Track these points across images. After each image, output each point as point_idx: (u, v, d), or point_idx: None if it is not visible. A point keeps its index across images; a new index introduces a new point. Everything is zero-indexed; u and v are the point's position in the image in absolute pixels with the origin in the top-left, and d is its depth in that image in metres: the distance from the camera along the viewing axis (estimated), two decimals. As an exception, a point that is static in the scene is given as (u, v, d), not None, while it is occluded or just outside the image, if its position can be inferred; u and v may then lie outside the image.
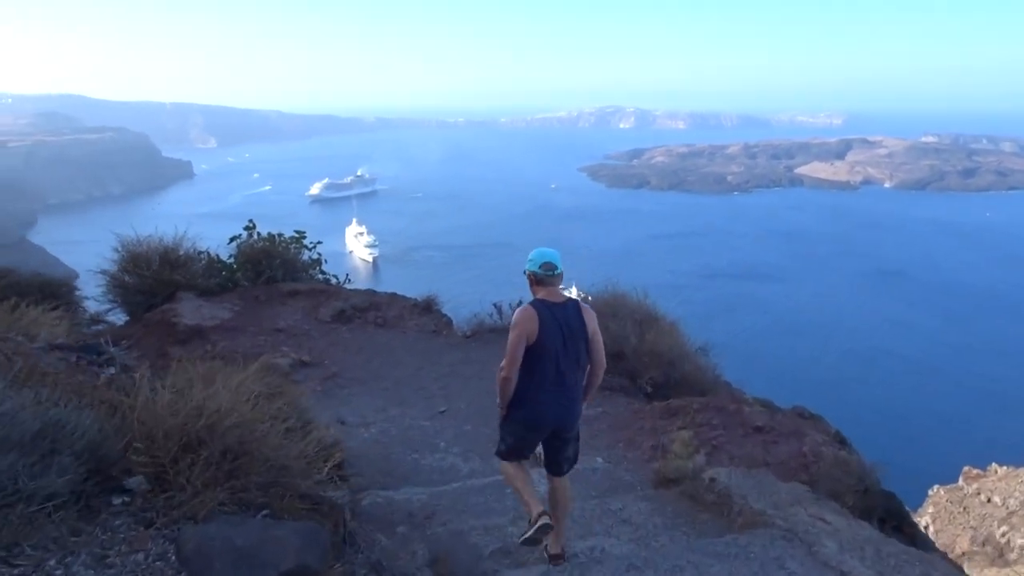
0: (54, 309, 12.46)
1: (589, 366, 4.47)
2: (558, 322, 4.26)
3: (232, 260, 11.47)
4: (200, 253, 11.31)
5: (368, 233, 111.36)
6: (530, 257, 4.44)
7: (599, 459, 6.50)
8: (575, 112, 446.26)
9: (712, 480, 5.41)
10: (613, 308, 9.09)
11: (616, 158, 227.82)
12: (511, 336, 4.28)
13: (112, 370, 4.79)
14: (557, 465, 4.65)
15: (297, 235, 12.01)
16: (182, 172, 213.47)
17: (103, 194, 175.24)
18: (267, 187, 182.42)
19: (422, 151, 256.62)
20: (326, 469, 4.05)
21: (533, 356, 4.24)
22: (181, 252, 10.77)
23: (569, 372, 4.33)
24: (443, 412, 8.01)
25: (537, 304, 4.30)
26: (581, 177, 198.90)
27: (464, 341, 10.13)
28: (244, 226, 11.71)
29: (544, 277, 4.36)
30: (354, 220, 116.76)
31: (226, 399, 3.54)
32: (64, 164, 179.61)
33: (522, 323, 4.23)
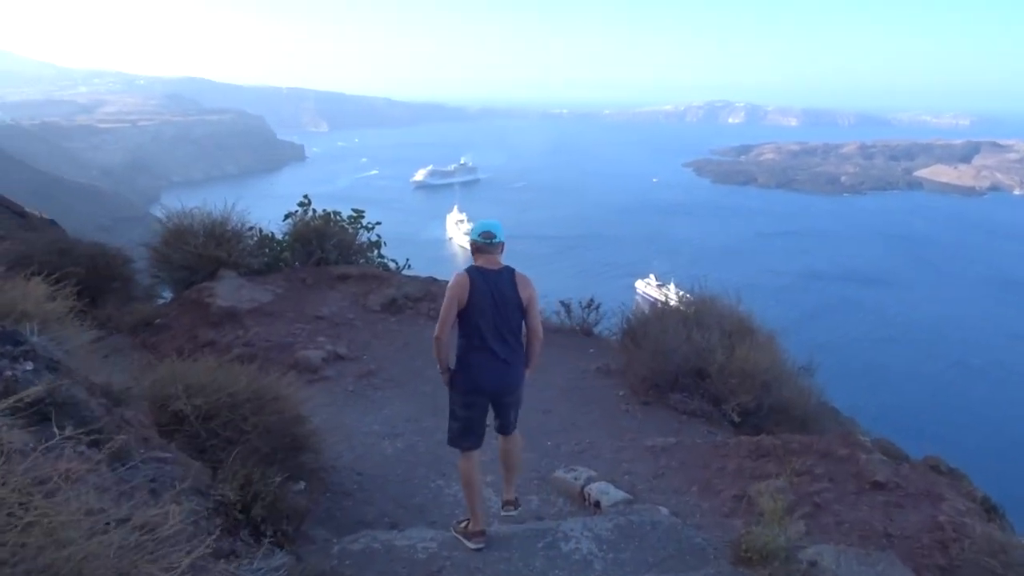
0: (106, 281, 11.99)
1: (527, 333, 4.68)
2: (490, 288, 4.48)
3: (285, 238, 10.60)
4: (250, 229, 10.50)
5: (469, 221, 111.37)
6: (472, 227, 4.74)
7: (663, 509, 5.09)
8: (682, 106, 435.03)
9: (813, 565, 3.94)
10: (699, 314, 7.61)
11: (723, 154, 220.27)
12: (444, 300, 4.53)
13: (28, 366, 3.75)
14: (504, 425, 4.84)
15: (355, 214, 11.02)
16: (295, 154, 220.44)
17: (221, 173, 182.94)
18: (374, 171, 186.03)
19: (525, 141, 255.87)
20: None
21: (467, 320, 4.50)
22: (229, 227, 9.96)
23: (503, 336, 4.53)
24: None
25: (471, 270, 4.55)
26: (685, 172, 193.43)
27: (524, 342, 8.87)
28: (299, 201, 10.82)
29: (483, 245, 4.60)
30: (455, 207, 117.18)
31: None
32: (187, 144, 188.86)
33: (453, 287, 4.49)
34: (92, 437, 3.00)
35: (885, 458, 5.80)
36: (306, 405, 5.80)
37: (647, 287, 70.98)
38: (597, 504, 5.23)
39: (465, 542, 4.50)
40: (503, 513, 4.92)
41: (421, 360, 8.18)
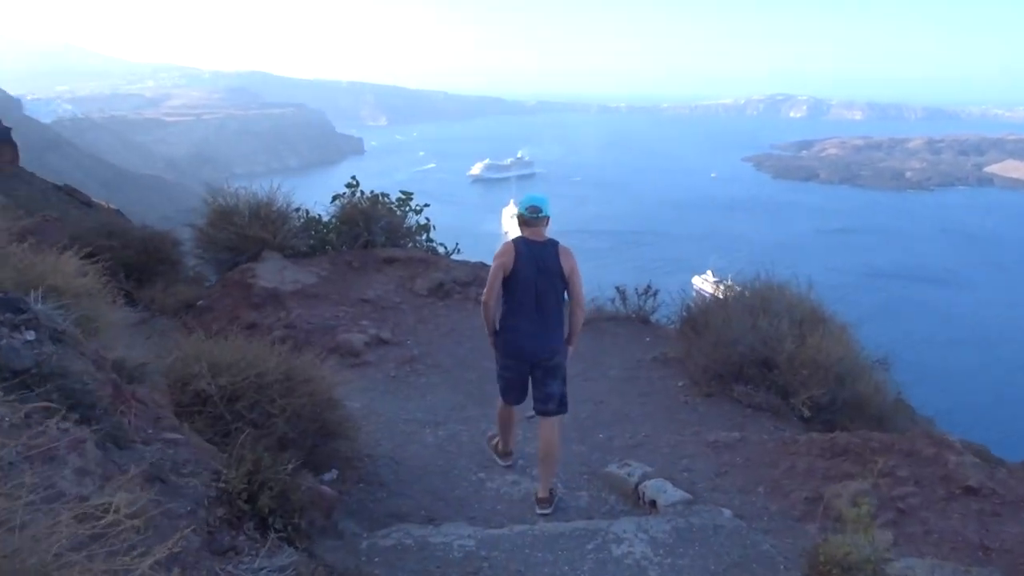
0: (155, 263, 11.93)
1: (570, 303, 4.98)
2: (534, 258, 4.76)
3: (331, 220, 10.33)
4: (296, 210, 10.26)
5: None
6: (520, 201, 4.97)
7: (726, 511, 4.58)
8: (742, 99, 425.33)
9: (905, 582, 3.40)
10: (765, 302, 7.02)
11: (784, 148, 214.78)
12: (491, 267, 4.90)
13: (30, 336, 3.45)
14: (543, 401, 4.95)
15: (403, 196, 10.69)
16: (353, 148, 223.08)
17: (281, 166, 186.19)
18: (431, 165, 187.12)
19: (582, 135, 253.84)
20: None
21: (512, 286, 4.79)
22: (274, 208, 9.72)
23: (545, 304, 4.80)
24: (531, 419, 6.31)
25: (517, 240, 4.86)
26: (745, 167, 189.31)
27: (576, 329, 8.39)
28: (346, 183, 10.54)
29: (529, 218, 4.86)
30: (511, 201, 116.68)
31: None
32: (249, 136, 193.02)
33: (499, 255, 4.82)
34: (78, 414, 2.67)
35: (977, 460, 5.17)
36: (342, 389, 5.45)
37: (704, 283, 69.56)
38: (653, 503, 4.75)
39: (496, 458, 5.39)
40: (538, 511, 4.81)
41: (468, 346, 7.80)
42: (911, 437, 5.38)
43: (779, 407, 6.27)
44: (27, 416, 2.57)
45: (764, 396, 6.30)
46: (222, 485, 2.71)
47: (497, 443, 5.42)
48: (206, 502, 2.67)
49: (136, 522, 2.24)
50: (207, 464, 3.03)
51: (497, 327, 4.97)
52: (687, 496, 4.74)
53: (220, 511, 2.64)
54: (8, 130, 35.74)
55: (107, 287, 6.22)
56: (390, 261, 9.62)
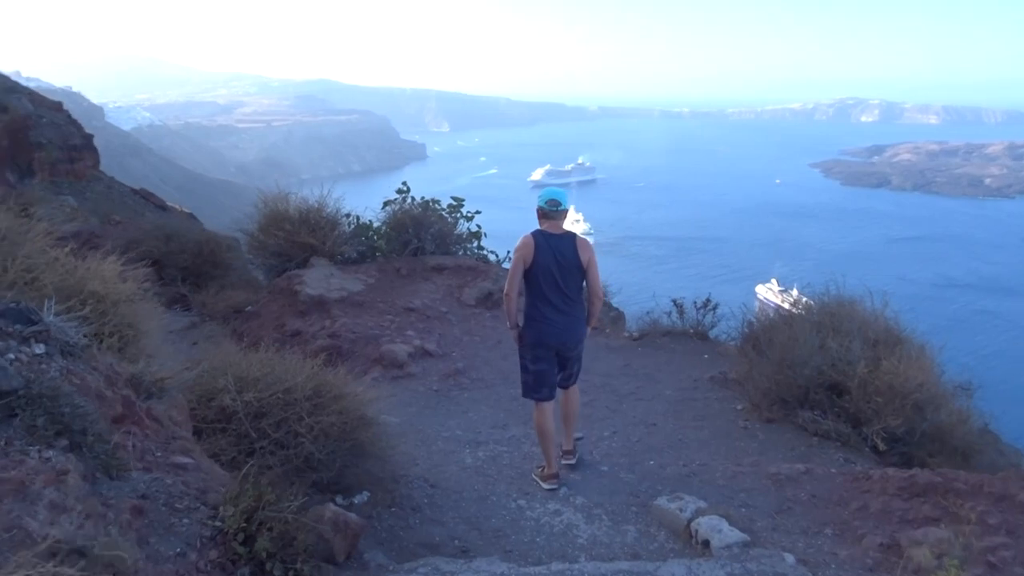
0: (210, 267, 11.95)
1: (588, 292, 5.13)
2: (552, 249, 4.92)
3: (381, 226, 10.15)
4: (347, 216, 10.11)
5: (584, 220, 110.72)
6: (540, 195, 5.11)
7: (789, 556, 4.12)
8: (810, 104, 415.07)
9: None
10: (835, 319, 6.50)
11: (854, 154, 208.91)
12: (512, 261, 5.03)
13: (40, 348, 3.26)
14: (566, 378, 5.31)
15: (455, 202, 10.44)
16: (416, 153, 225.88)
17: (346, 171, 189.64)
18: (493, 170, 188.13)
19: (644, 141, 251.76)
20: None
21: (533, 278, 4.96)
22: (324, 214, 9.58)
23: (565, 294, 4.97)
24: (579, 440, 5.95)
25: (536, 233, 5.00)
26: (812, 173, 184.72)
27: (629, 343, 7.98)
28: (397, 188, 10.35)
29: (549, 212, 5.03)
30: (572, 207, 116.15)
31: None
32: (316, 143, 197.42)
33: (519, 249, 4.94)
34: (67, 440, 2.44)
35: (1081, 508, 4.58)
36: (382, 403, 5.19)
37: (768, 292, 67.90)
38: (706, 544, 4.33)
39: (540, 483, 5.15)
40: (563, 462, 5.34)
41: (513, 360, 7.40)
42: (1004, 478, 4.82)
43: (849, 437, 5.75)
44: (7, 444, 2.35)
45: (832, 424, 5.78)
46: (217, 524, 2.44)
47: (543, 470, 5.22)
48: (199, 543, 2.41)
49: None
50: (209, 496, 2.78)
51: (520, 321, 5.13)
52: (744, 537, 4.30)
53: (213, 554, 2.37)
54: (90, 137, 37.17)
55: (149, 292, 6.12)
56: (439, 269, 9.38)
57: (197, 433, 4.09)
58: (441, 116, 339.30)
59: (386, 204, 10.41)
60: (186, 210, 27.89)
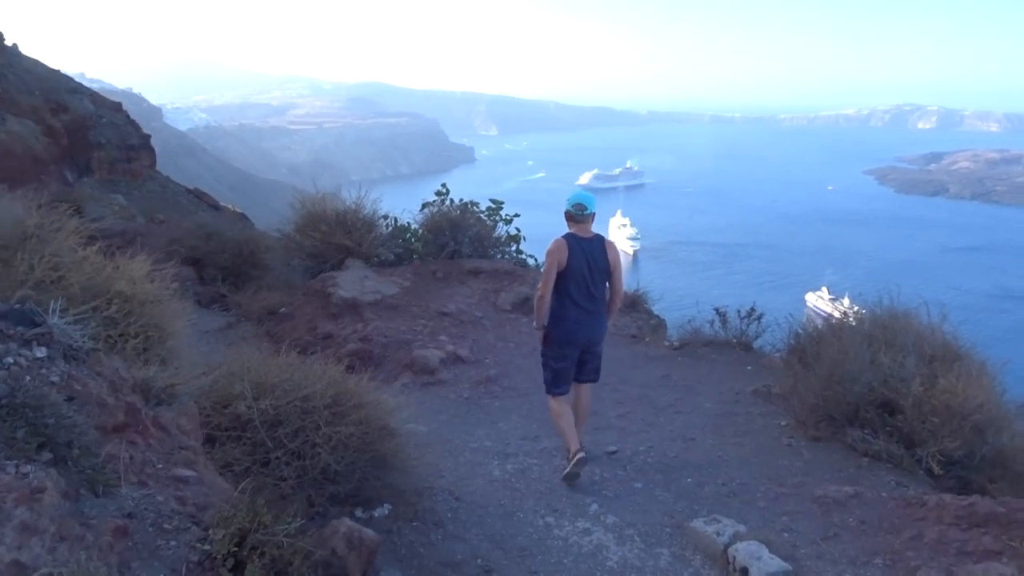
0: (250, 267, 11.96)
1: (610, 292, 5.35)
2: (584, 252, 5.14)
3: (418, 229, 10.02)
4: (384, 218, 10.00)
5: (631, 225, 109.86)
6: (568, 198, 5.30)
7: (835, 590, 3.82)
8: (866, 110, 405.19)
9: None
10: (888, 332, 6.11)
11: (910, 161, 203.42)
12: (546, 263, 5.25)
13: (42, 351, 3.13)
14: (586, 374, 5.49)
15: (494, 205, 10.25)
16: (465, 156, 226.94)
17: (395, 173, 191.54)
18: (541, 174, 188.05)
19: (694, 146, 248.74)
20: None
21: (564, 280, 5.14)
22: (360, 216, 9.48)
23: (592, 295, 5.19)
24: (612, 454, 5.68)
25: (568, 236, 5.20)
26: (866, 180, 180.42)
27: (669, 353, 7.68)
28: (436, 191, 10.20)
29: (576, 215, 5.23)
30: (619, 211, 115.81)
31: None
32: (367, 145, 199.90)
33: (554, 252, 5.14)
34: (51, 453, 2.30)
35: None
36: (411, 411, 5.02)
37: (818, 300, 66.30)
38: (744, 571, 4.04)
39: (572, 466, 5.09)
40: (573, 455, 5.22)
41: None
42: (1074, 511, 4.43)
43: (902, 459, 5.37)
44: (-16, 456, 2.22)
45: (884, 444, 5.41)
46: (206, 547, 2.27)
47: (568, 453, 5.22)
48: (184, 568, 2.24)
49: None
50: (207, 513, 2.61)
51: (546, 320, 5.28)
52: (786, 566, 4.00)
53: (199, 581, 2.20)
54: (147, 137, 38.09)
55: (180, 291, 6.04)
56: (475, 273, 9.19)
57: (211, 441, 3.95)
58: (490, 119, 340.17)
59: (424, 206, 10.27)
60: (238, 210, 28.27)
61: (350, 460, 4.22)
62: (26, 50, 36.61)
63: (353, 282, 8.46)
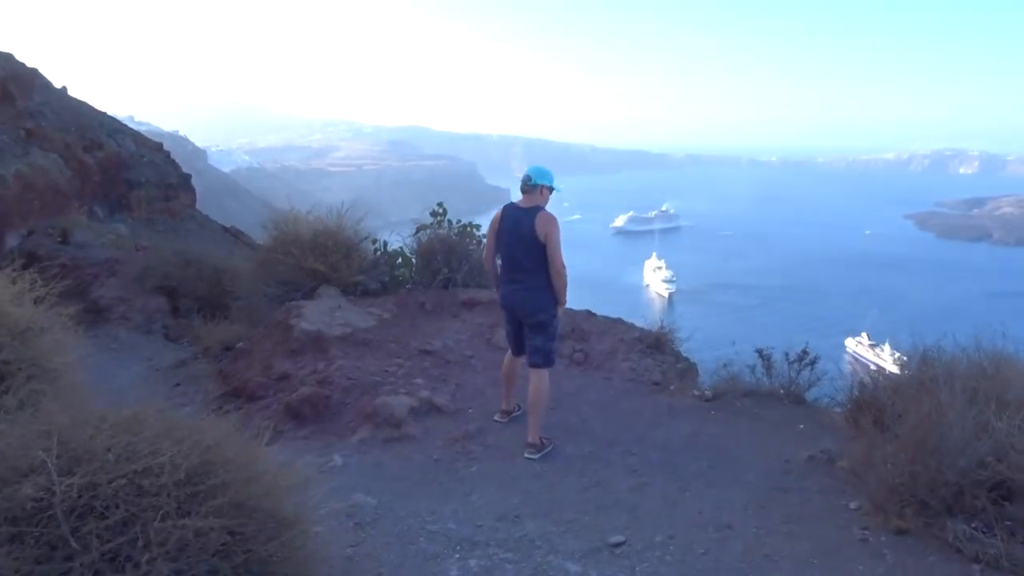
0: (227, 297, 10.68)
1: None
2: (513, 222, 5.31)
3: (404, 253, 8.70)
4: (374, 242, 8.71)
5: (667, 268, 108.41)
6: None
7: None
8: (905, 154, 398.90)
9: None
10: (995, 385, 4.52)
11: (951, 206, 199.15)
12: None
13: None
14: (530, 353, 5.43)
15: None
16: (500, 198, 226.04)
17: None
18: (576, 216, 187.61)
19: (732, 189, 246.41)
20: None
21: (499, 247, 5.49)
22: (340, 238, 8.17)
23: (521, 264, 5.29)
24: (617, 547, 4.14)
25: (507, 206, 5.50)
26: (906, 225, 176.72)
27: (700, 405, 6.12)
28: (431, 211, 8.89)
29: (523, 186, 5.43)
30: (654, 254, 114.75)
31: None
32: (404, 186, 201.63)
33: (492, 220, 5.56)
34: None
35: None
36: (318, 487, 3.62)
37: (859, 346, 63.53)
38: None
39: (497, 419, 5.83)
40: (525, 455, 5.23)
41: (549, 419, 5.72)
42: None
43: (1030, 566, 3.77)
44: None
45: (1004, 546, 3.82)
46: None
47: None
48: None
49: None
50: None
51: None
52: None
53: None
54: (187, 177, 37.85)
55: (64, 321, 4.75)
56: (470, 305, 7.79)
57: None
58: (527, 162, 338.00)
59: (419, 229, 8.96)
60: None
61: (210, 567, 2.80)
62: (76, 92, 36.88)
63: (321, 313, 7.09)
